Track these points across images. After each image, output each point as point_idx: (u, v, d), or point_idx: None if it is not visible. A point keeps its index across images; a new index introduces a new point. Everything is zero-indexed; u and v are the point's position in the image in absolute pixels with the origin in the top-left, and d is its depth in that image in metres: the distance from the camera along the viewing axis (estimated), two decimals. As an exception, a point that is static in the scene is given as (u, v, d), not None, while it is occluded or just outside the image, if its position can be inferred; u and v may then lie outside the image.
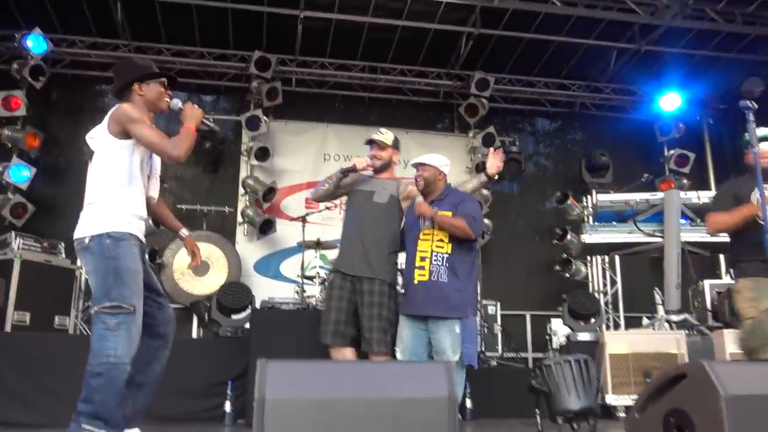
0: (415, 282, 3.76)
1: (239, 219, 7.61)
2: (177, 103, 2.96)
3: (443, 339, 3.69)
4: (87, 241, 2.68)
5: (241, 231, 7.66)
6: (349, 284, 3.86)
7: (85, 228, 2.72)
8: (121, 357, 2.55)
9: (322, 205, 7.31)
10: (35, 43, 6.76)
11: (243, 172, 7.79)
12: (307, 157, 8.05)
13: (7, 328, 5.01)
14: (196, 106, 2.92)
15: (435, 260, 3.74)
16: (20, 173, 6.62)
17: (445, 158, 4.13)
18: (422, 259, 3.77)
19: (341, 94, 8.36)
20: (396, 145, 4.25)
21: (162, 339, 2.86)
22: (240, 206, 7.66)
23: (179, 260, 7.14)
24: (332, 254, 6.42)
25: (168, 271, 7.14)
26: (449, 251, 3.77)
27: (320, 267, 5.86)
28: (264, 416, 1.81)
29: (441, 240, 3.77)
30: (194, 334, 7.13)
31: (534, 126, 9.18)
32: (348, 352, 3.80)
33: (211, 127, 3.13)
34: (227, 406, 4.51)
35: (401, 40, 7.65)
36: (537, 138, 9.20)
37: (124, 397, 2.64)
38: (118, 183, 2.75)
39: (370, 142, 4.14)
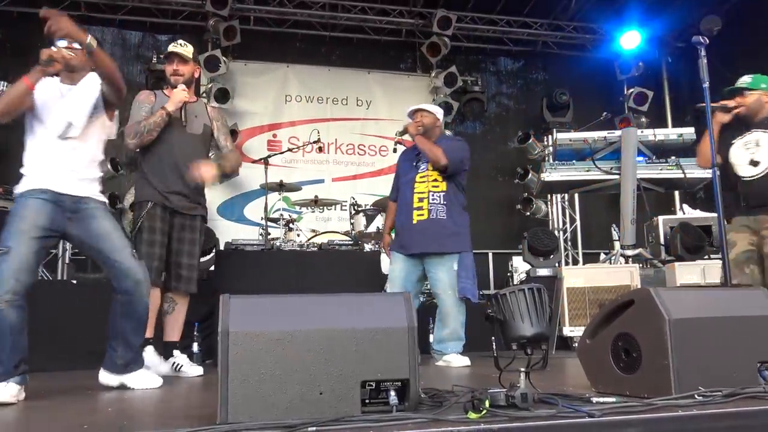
0: (414, 221, 4.02)
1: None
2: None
3: (442, 274, 3.97)
4: None
5: (203, 173, 7.57)
6: (168, 217, 3.65)
7: None
8: None
9: (284, 147, 7.32)
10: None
11: (202, 114, 7.65)
12: (267, 98, 7.93)
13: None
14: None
15: (432, 199, 4.02)
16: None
17: (440, 109, 4.45)
18: (420, 200, 4.05)
19: (301, 33, 8.17)
20: (197, 59, 3.97)
21: (123, 293, 2.90)
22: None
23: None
24: (295, 196, 6.44)
25: (128, 215, 7.04)
26: (444, 189, 4.05)
27: (284, 209, 5.88)
28: (228, 349, 1.85)
29: (436, 180, 4.05)
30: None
31: (497, 65, 9.16)
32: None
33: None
34: (194, 347, 4.55)
35: (362, -25, 7.49)
36: (500, 78, 9.20)
37: (8, 337, 2.61)
38: (25, 147, 2.91)
39: (170, 56, 3.77)
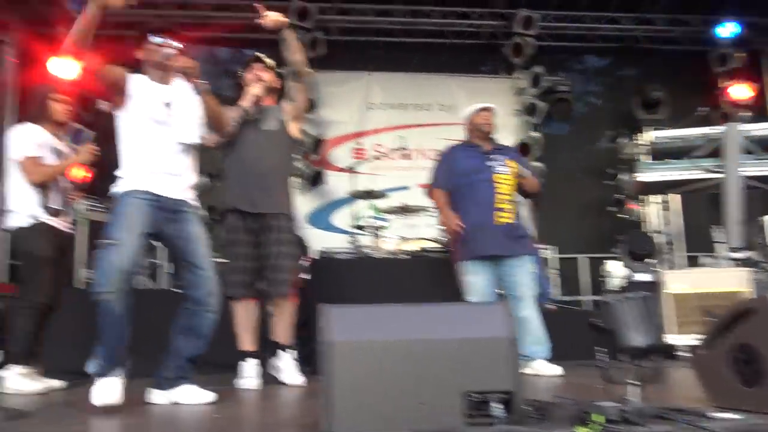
0: (496, 223, 3.94)
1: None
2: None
3: (523, 277, 3.93)
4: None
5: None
6: (251, 224, 3.59)
7: None
8: (99, 285, 2.69)
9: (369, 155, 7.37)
10: (77, 4, 6.82)
11: (290, 124, 7.85)
12: (351, 107, 8.02)
13: (79, 285, 5.25)
14: None
15: (512, 203, 4.04)
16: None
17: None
18: (503, 201, 4.00)
19: (382, 40, 8.22)
20: (278, 74, 3.96)
21: (192, 302, 2.89)
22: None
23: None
24: (382, 204, 6.46)
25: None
26: (515, 195, 4.14)
27: (372, 217, 5.90)
28: (331, 358, 1.86)
29: (512, 185, 4.10)
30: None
31: (583, 64, 8.91)
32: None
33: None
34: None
35: (441, -20, 7.46)
36: (587, 76, 8.93)
37: (115, 332, 2.70)
38: (122, 148, 2.95)
39: (255, 60, 3.84)
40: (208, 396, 2.89)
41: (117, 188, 2.88)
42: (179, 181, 2.96)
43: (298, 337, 4.69)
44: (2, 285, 4.99)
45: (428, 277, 4.92)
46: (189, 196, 3.02)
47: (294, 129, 3.84)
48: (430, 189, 4.22)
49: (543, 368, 3.82)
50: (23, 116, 3.67)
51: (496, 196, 3.99)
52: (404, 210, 6.26)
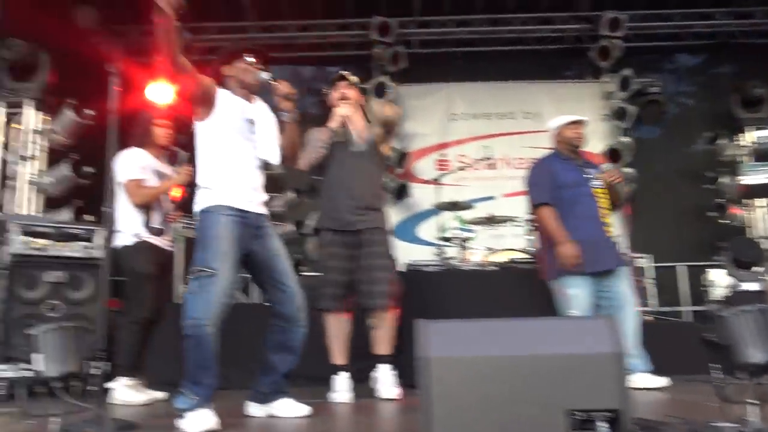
0: (605, 238, 3.93)
1: (374, 184, 7.75)
2: (263, 74, 3.00)
3: (625, 288, 3.88)
4: (195, 217, 2.88)
5: (377, 196, 7.80)
6: (345, 239, 3.68)
7: (194, 207, 2.92)
8: (199, 318, 2.63)
9: (453, 166, 7.33)
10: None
11: (373, 139, 7.92)
12: (434, 119, 8.00)
13: (177, 300, 5.48)
14: None
15: (610, 216, 4.03)
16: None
17: None
18: (605, 215, 3.98)
19: (463, 51, 8.16)
20: (361, 87, 3.98)
21: (283, 319, 2.92)
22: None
23: (322, 229, 7.40)
24: (467, 214, 6.40)
25: (312, 240, 7.44)
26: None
27: (458, 228, 5.85)
28: (429, 375, 1.84)
29: (607, 197, 4.03)
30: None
31: (675, 63, 8.50)
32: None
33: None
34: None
35: (523, -14, 7.34)
36: (679, 76, 8.52)
37: (213, 364, 2.68)
38: (208, 162, 2.92)
39: (340, 79, 3.84)
40: (303, 409, 2.92)
41: (202, 203, 2.86)
42: (260, 197, 3.01)
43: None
44: (110, 300, 5.29)
45: (518, 289, 4.81)
46: (267, 210, 3.07)
47: (384, 147, 3.90)
48: (536, 205, 4.01)
49: (646, 381, 3.66)
50: (128, 141, 3.90)
51: (599, 210, 3.94)
52: (490, 220, 6.17)
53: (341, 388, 3.63)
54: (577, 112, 7.84)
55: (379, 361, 3.71)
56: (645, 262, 6.52)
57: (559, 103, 7.95)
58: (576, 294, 3.82)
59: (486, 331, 1.91)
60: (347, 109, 3.71)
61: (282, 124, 3.06)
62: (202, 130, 2.93)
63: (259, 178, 3.03)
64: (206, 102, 2.87)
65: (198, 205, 2.86)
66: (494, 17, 7.82)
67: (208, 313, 2.64)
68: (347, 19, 7.84)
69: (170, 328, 3.95)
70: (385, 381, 3.65)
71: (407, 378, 4.16)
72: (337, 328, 3.72)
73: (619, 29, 7.37)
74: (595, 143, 7.66)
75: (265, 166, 3.09)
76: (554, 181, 3.96)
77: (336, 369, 3.70)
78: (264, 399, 2.93)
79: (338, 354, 3.72)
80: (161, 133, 4.00)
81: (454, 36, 7.98)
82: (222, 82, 2.99)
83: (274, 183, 7.69)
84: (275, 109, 3.07)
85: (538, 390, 1.80)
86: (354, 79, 3.89)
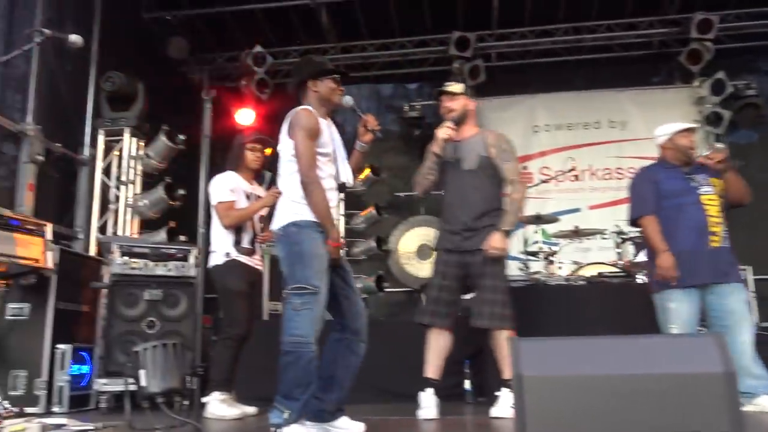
0: (709, 247, 3.65)
1: (455, 200, 7.69)
2: (349, 100, 3.06)
3: (737, 305, 3.61)
4: (279, 231, 2.87)
5: (458, 212, 7.74)
6: (457, 259, 3.67)
7: (277, 220, 2.91)
8: (305, 336, 2.64)
9: (536, 179, 7.19)
10: (257, 59, 7.44)
11: (454, 154, 7.87)
12: (515, 131, 7.83)
13: (265, 317, 5.64)
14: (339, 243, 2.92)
15: (724, 226, 3.72)
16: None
17: None
18: (715, 224, 3.69)
19: (544, 61, 8.01)
20: (468, 93, 3.87)
21: (351, 333, 2.90)
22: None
23: (404, 245, 7.44)
24: (552, 228, 6.24)
25: (394, 257, 7.49)
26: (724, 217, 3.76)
27: (543, 242, 5.72)
28: (523, 394, 1.79)
29: (720, 206, 3.75)
30: (423, 316, 7.39)
31: (771, 63, 8.03)
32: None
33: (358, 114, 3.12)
34: (467, 385, 4.59)
35: (605, -8, 7.14)
36: (776, 76, 8.03)
37: (313, 381, 2.69)
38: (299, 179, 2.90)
39: (440, 95, 3.84)
40: (359, 427, 2.89)
41: (294, 216, 2.85)
42: (335, 216, 3.04)
43: (472, 365, 4.65)
44: (204, 318, 5.50)
45: (609, 305, 4.65)
46: None
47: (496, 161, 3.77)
48: (638, 216, 3.87)
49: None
50: (221, 164, 4.07)
51: (708, 219, 3.68)
52: (576, 233, 5.99)
53: (426, 405, 3.60)
54: (666, 119, 7.47)
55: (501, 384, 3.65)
56: (744, 274, 6.13)
57: (646, 110, 7.66)
58: (677, 308, 3.63)
59: (583, 349, 1.84)
60: (446, 130, 3.68)
61: (354, 151, 3.13)
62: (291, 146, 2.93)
63: (337, 198, 3.07)
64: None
65: (287, 217, 2.86)
66: (577, 26, 7.64)
67: (311, 331, 2.67)
68: (425, 36, 7.87)
69: (259, 345, 4.07)
70: (499, 401, 3.58)
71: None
72: (435, 343, 3.75)
73: (711, 31, 7.02)
74: (688, 151, 7.32)
75: (341, 186, 3.14)
76: (657, 190, 3.80)
77: (424, 384, 3.69)
78: (328, 418, 2.87)
79: (430, 368, 3.74)
80: (252, 157, 4.15)
81: (535, 47, 7.85)
82: (304, 93, 3.02)
83: (355, 200, 7.85)
84: (355, 136, 3.13)
85: (641, 412, 1.71)
86: (456, 87, 3.82)
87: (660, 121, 7.45)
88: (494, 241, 3.53)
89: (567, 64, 8.00)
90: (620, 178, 7.60)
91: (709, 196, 3.72)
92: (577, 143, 7.70)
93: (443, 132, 3.69)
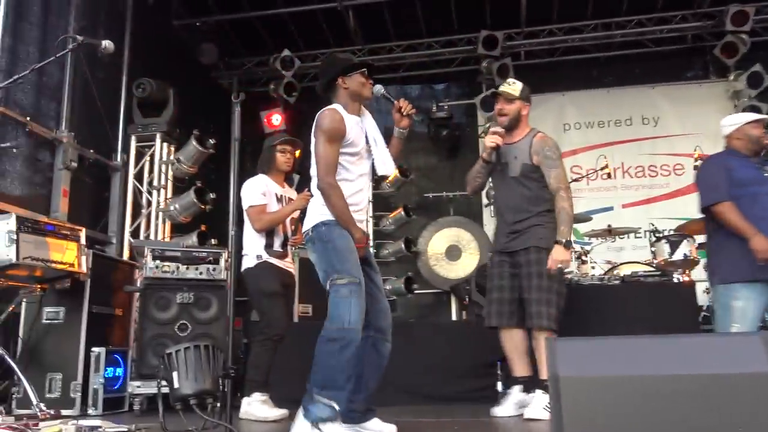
0: None
1: (484, 201, 7.62)
2: (379, 89, 3.03)
3: None
4: (310, 232, 2.87)
5: (487, 213, 7.66)
6: (510, 259, 3.70)
7: (308, 222, 2.92)
8: (354, 323, 2.65)
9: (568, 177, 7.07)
10: (285, 63, 7.48)
11: (483, 154, 7.78)
12: (546, 129, 7.58)
13: (295, 318, 5.63)
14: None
15: None
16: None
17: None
18: None
19: (574, 58, 7.91)
20: (526, 96, 3.77)
21: (377, 331, 2.88)
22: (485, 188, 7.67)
23: (433, 246, 7.40)
24: (585, 227, 6.14)
25: (423, 258, 7.44)
26: None
27: (575, 242, 5.62)
28: (559, 396, 1.74)
29: None
30: (454, 317, 7.34)
31: (811, 54, 7.79)
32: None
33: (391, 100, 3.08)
34: (499, 386, 4.52)
35: (636, -13, 7.02)
36: (817, 68, 7.79)
37: (356, 371, 2.71)
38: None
39: (495, 95, 3.80)
40: (391, 429, 2.86)
41: (325, 216, 2.86)
42: (365, 215, 3.06)
43: (504, 366, 4.58)
44: (235, 320, 5.51)
45: (645, 304, 4.54)
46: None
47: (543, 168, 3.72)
48: (712, 203, 3.64)
49: None
50: (251, 167, 4.08)
51: None
52: (609, 232, 5.88)
53: (510, 402, 3.63)
54: (701, 115, 7.44)
55: (535, 384, 3.61)
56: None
57: (680, 106, 7.52)
58: (743, 307, 3.44)
59: (621, 349, 1.78)
60: (493, 138, 3.67)
61: (393, 139, 3.09)
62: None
63: (368, 197, 3.06)
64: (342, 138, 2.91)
65: (317, 218, 2.87)
66: (607, 21, 7.52)
67: (359, 319, 2.69)
68: (452, 36, 7.82)
69: (292, 347, 4.06)
70: (533, 402, 3.53)
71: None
72: (509, 342, 3.74)
73: (746, 23, 6.84)
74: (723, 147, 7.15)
75: (377, 182, 3.10)
76: (731, 178, 3.61)
77: (514, 381, 3.71)
78: (359, 419, 2.83)
79: (516, 366, 3.73)
80: (283, 159, 4.15)
81: (563, 45, 7.75)
82: (335, 92, 3.00)
83: (384, 202, 7.83)
84: (392, 124, 3.10)
85: (682, 414, 1.65)
86: (514, 89, 3.74)
87: (694, 117, 7.43)
88: (556, 255, 3.51)
89: (597, 61, 7.89)
90: (653, 176, 7.48)
91: None
92: (608, 141, 7.58)
93: (490, 140, 3.68)
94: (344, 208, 2.83)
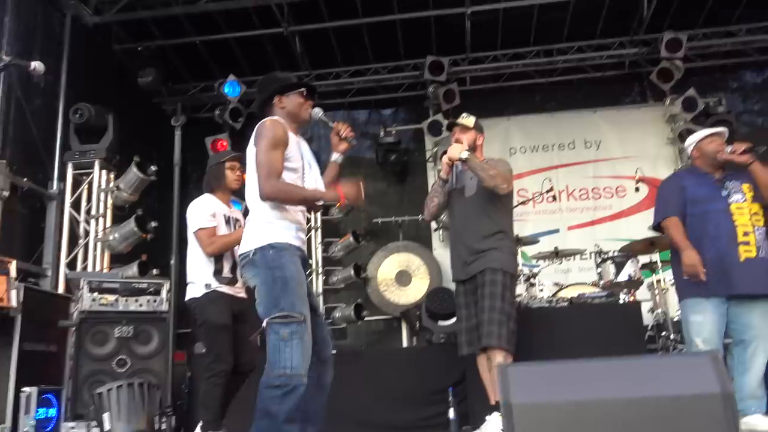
0: (741, 259, 3.49)
1: (434, 225, 7.62)
2: (318, 112, 2.93)
3: (758, 321, 3.48)
4: (251, 254, 2.66)
5: (436, 237, 7.68)
6: (468, 287, 3.74)
7: (248, 242, 2.70)
8: (297, 368, 2.49)
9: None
10: (230, 89, 7.36)
11: (431, 179, 7.79)
12: (492, 153, 7.77)
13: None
14: (360, 186, 2.83)
15: (758, 234, 3.54)
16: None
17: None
18: (746, 234, 3.53)
19: (518, 84, 8.06)
20: (479, 127, 3.95)
21: (320, 361, 2.75)
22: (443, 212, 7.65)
23: (383, 272, 7.34)
24: (532, 250, 6.19)
25: (373, 284, 7.37)
26: (763, 224, 3.58)
27: (523, 264, 5.65)
28: (513, 424, 1.69)
29: (756, 214, 3.58)
30: (405, 343, 7.26)
31: (740, 81, 8.16)
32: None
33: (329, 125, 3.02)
34: (451, 413, 4.45)
35: (575, 15, 7.19)
36: (745, 93, 8.16)
37: (298, 415, 2.52)
38: None
39: (451, 127, 3.95)
40: None
41: (268, 237, 2.68)
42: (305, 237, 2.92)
43: (456, 393, 4.53)
44: (177, 354, 5.31)
45: (592, 326, 4.57)
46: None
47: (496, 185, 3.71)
48: (661, 219, 3.76)
49: (760, 423, 3.33)
50: (197, 194, 3.92)
51: (737, 228, 3.53)
52: (556, 255, 5.94)
53: (492, 429, 3.52)
54: (640, 138, 7.66)
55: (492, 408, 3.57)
56: None
57: (620, 129, 7.74)
58: (701, 322, 3.51)
59: (573, 374, 1.75)
60: (452, 151, 3.71)
61: (329, 164, 3.02)
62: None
63: (304, 221, 2.92)
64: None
65: (263, 239, 2.67)
66: (548, 48, 7.71)
67: (303, 361, 2.51)
68: (399, 62, 7.87)
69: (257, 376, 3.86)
70: (488, 428, 3.48)
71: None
72: (484, 368, 3.69)
73: (680, 50, 7.10)
74: (663, 168, 7.37)
75: (326, 209, 3.03)
76: (684, 196, 3.71)
77: (493, 409, 3.60)
78: None
79: (491, 393, 3.66)
80: (233, 177, 3.97)
81: (507, 70, 7.90)
82: (271, 111, 2.87)
83: (333, 228, 7.74)
84: (330, 149, 3.03)
85: (637, 437, 1.62)
86: (468, 121, 3.89)
87: (633, 140, 7.65)
88: (451, 151, 3.66)
89: (540, 86, 8.06)
90: (597, 198, 7.63)
91: (739, 204, 3.58)
92: (553, 164, 7.72)
93: (445, 158, 3.75)
94: (301, 190, 2.72)
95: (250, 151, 2.76)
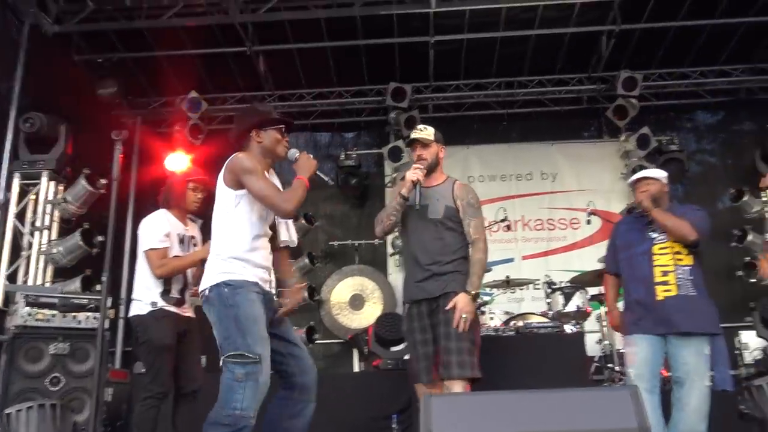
0: (659, 298, 3.59)
1: (390, 250, 7.62)
2: (294, 153, 2.90)
3: (691, 358, 3.50)
4: (207, 292, 2.67)
5: (392, 262, 7.67)
6: (424, 309, 3.52)
7: (205, 279, 2.71)
8: (246, 409, 2.47)
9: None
10: (192, 105, 7.30)
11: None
12: (451, 181, 7.93)
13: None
14: (311, 156, 2.86)
15: (680, 274, 3.60)
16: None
17: (664, 172, 3.92)
18: (664, 273, 3.62)
19: (479, 114, 8.19)
20: (440, 139, 3.77)
21: (300, 390, 2.75)
22: (389, 237, 7.65)
23: (337, 295, 7.29)
24: (485, 278, 6.21)
25: (326, 307, 7.31)
26: (691, 263, 3.62)
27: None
28: (433, 456, 1.67)
29: (679, 253, 3.63)
30: (356, 368, 7.20)
31: (693, 121, 8.40)
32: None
33: (326, 181, 3.12)
34: (394, 441, 4.42)
35: (536, 49, 7.37)
36: (698, 133, 8.40)
37: None
38: (236, 233, 2.74)
39: (411, 143, 3.71)
40: None
41: (228, 274, 2.67)
42: (272, 275, 2.89)
43: (400, 420, 4.49)
44: (116, 372, 5.16)
45: (537, 355, 4.60)
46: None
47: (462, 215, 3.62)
48: (604, 272, 4.10)
49: None
50: (148, 210, 3.83)
51: (655, 269, 3.63)
52: (508, 283, 5.99)
53: None
54: (595, 172, 7.82)
55: None
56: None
57: (577, 163, 7.89)
58: (633, 353, 3.66)
59: (495, 406, 1.75)
60: (415, 172, 3.51)
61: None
62: (231, 198, 2.77)
63: (268, 249, 2.89)
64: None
65: (218, 276, 2.67)
66: (510, 80, 7.85)
67: (254, 404, 2.50)
68: (363, 86, 7.92)
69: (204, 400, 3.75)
70: None
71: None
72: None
73: (635, 89, 7.31)
74: (616, 203, 7.53)
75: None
76: (615, 246, 3.95)
77: None
78: None
79: None
80: (194, 198, 3.88)
81: (469, 100, 8.01)
82: (247, 144, 2.87)
83: (290, 249, 7.67)
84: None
85: (555, 472, 1.62)
86: (428, 135, 3.69)
87: (588, 174, 7.80)
88: (461, 304, 3.35)
89: (501, 117, 8.19)
90: (551, 229, 7.74)
91: (663, 244, 3.66)
92: (510, 194, 7.82)
93: (411, 174, 3.52)
94: (301, 184, 2.75)
95: (221, 183, 2.77)
